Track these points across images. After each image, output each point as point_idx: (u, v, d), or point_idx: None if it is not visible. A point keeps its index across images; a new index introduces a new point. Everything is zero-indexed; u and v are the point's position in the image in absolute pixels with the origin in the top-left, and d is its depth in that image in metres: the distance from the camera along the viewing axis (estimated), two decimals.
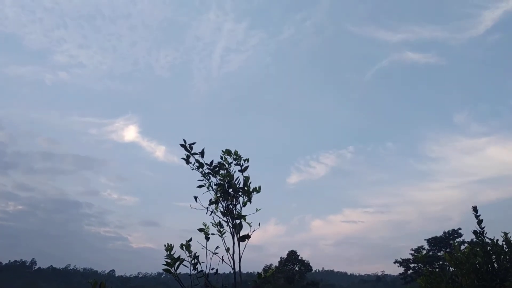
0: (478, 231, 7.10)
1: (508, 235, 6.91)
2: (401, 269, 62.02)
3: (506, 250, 6.83)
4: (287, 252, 68.17)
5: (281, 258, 67.94)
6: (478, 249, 6.99)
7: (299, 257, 67.42)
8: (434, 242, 59.78)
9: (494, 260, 6.86)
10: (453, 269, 7.16)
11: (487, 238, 7.04)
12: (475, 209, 7.23)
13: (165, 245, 4.49)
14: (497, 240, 6.92)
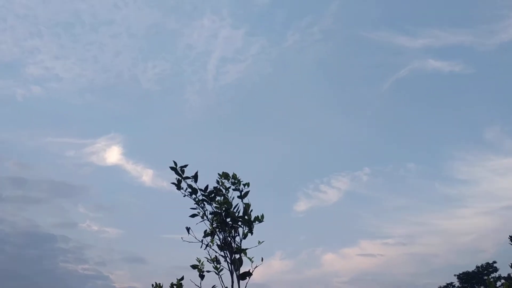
0: None
1: None
2: None
3: None
4: None
5: None
6: None
7: None
8: (465, 278, 57.10)
9: None
10: None
11: None
12: None
13: (152, 285, 3.95)
14: None
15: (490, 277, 52.64)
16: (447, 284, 57.90)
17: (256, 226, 4.26)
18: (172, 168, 4.30)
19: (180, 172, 4.31)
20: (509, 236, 6.07)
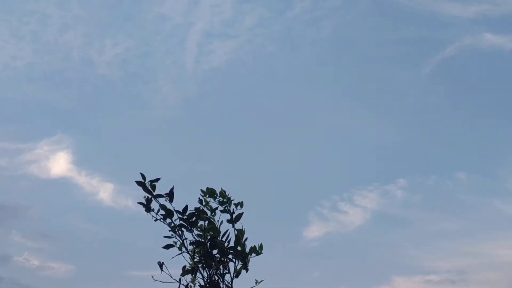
0: None
1: None
2: None
3: None
4: None
5: None
6: None
7: None
8: None
9: None
10: None
11: None
12: None
13: None
14: None
15: None
16: None
17: (253, 259, 3.37)
18: (139, 182, 3.32)
19: (150, 188, 3.34)
20: None
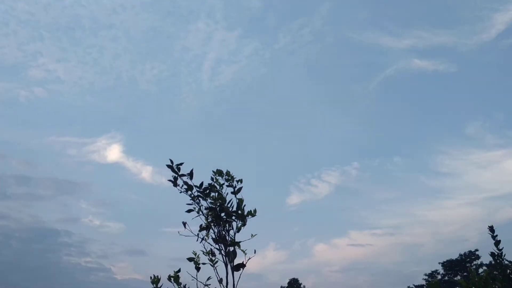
0: (496, 253, 6.84)
1: None
2: None
3: None
4: (288, 281, 66.81)
5: (281, 287, 66.53)
6: (496, 273, 6.71)
7: (302, 286, 66.07)
8: (449, 265, 58.76)
9: None
10: None
11: (506, 260, 6.77)
12: (491, 229, 6.99)
13: (151, 277, 4.27)
14: None
15: (472, 264, 54.24)
16: (432, 271, 59.44)
17: (250, 220, 4.59)
18: (168, 166, 4.58)
19: (176, 169, 4.60)
20: (488, 226, 6.47)
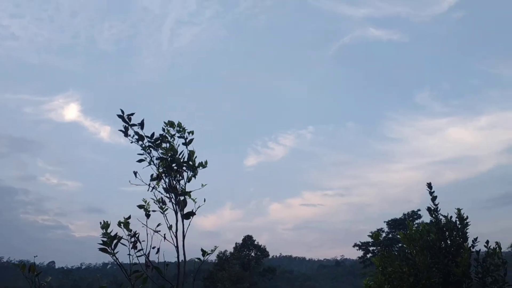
0: (432, 208, 7.47)
1: (462, 212, 7.30)
2: (360, 253, 64.42)
3: (459, 226, 7.23)
4: (242, 238, 68.93)
5: (236, 243, 68.63)
6: (431, 226, 7.36)
7: (256, 243, 68.37)
8: (393, 224, 62.41)
9: (447, 236, 7.25)
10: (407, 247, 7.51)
11: (441, 215, 7.42)
12: (429, 185, 7.58)
13: (100, 223, 4.42)
14: (451, 217, 7.31)
15: (410, 219, 57.76)
16: (378, 229, 62.85)
17: (202, 172, 4.80)
18: (119, 115, 4.65)
19: (127, 119, 4.68)
20: (427, 183, 7.01)
